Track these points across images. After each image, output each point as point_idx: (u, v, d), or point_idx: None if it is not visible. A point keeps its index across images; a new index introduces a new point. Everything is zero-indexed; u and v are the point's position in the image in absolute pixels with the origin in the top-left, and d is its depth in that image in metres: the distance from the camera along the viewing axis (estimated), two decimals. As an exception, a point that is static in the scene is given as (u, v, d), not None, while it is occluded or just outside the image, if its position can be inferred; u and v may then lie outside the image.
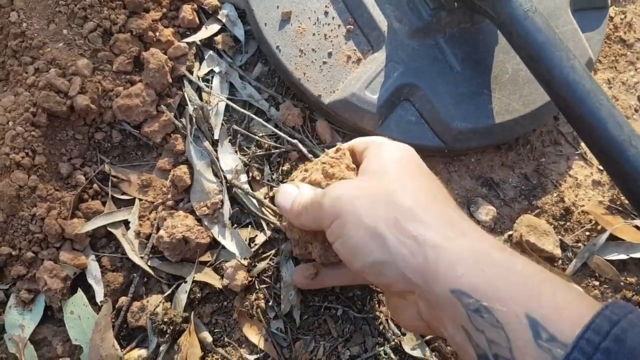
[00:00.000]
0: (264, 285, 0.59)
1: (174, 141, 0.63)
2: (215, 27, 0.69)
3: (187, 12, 0.68)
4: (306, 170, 0.50)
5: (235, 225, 0.61)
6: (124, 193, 0.62)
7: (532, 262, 0.35)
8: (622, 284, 0.61)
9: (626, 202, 0.65)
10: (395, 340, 0.56)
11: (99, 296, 0.57)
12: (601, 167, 0.67)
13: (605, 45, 0.76)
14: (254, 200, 0.61)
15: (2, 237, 0.57)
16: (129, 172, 0.63)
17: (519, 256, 0.35)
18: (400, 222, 0.37)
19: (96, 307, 0.57)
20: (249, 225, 0.61)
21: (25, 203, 0.57)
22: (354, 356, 0.56)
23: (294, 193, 0.46)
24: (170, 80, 0.64)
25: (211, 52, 0.69)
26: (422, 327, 0.40)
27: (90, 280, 0.58)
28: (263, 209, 0.61)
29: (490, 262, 0.34)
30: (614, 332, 0.27)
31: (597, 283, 0.61)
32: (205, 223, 0.60)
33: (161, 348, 0.55)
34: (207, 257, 0.59)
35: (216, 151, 0.63)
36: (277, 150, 0.64)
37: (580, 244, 0.63)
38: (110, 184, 0.62)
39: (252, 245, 0.60)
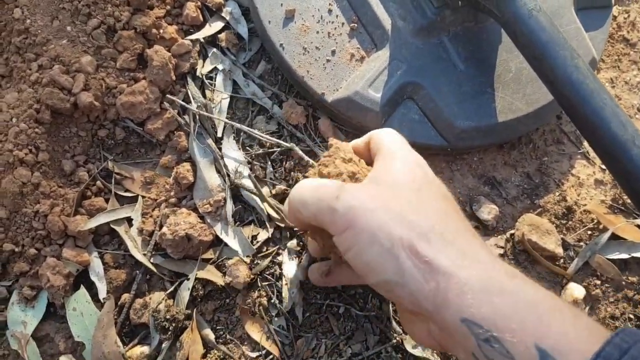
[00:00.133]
0: (266, 283, 0.59)
1: (177, 138, 0.63)
2: (219, 25, 0.69)
3: (191, 9, 0.68)
4: (308, 177, 0.49)
5: (238, 222, 0.61)
6: (127, 190, 0.63)
7: (542, 289, 0.35)
8: (623, 283, 0.61)
9: (628, 201, 0.65)
10: (397, 339, 0.56)
11: (102, 293, 0.58)
12: (604, 166, 0.67)
13: (608, 45, 0.76)
14: (257, 199, 0.61)
15: (5, 233, 0.57)
16: (132, 169, 0.63)
17: (528, 282, 0.35)
18: (415, 245, 0.36)
19: (99, 304, 0.57)
20: (252, 223, 0.62)
21: (29, 200, 0.58)
22: (356, 354, 0.56)
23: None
24: (173, 77, 0.64)
25: (215, 49, 0.69)
26: (433, 345, 0.40)
27: (93, 277, 0.58)
28: (265, 204, 0.61)
29: (500, 291, 0.34)
30: None
31: (598, 282, 0.61)
32: (208, 220, 0.60)
33: (163, 345, 0.56)
34: (209, 255, 0.60)
35: (219, 149, 0.63)
36: (279, 149, 0.64)
37: (582, 243, 0.63)
38: (113, 181, 0.62)
39: (255, 242, 0.60)
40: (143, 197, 0.62)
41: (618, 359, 0.28)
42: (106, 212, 0.60)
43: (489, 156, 0.68)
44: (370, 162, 0.47)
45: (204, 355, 0.56)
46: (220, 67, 0.68)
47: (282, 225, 0.61)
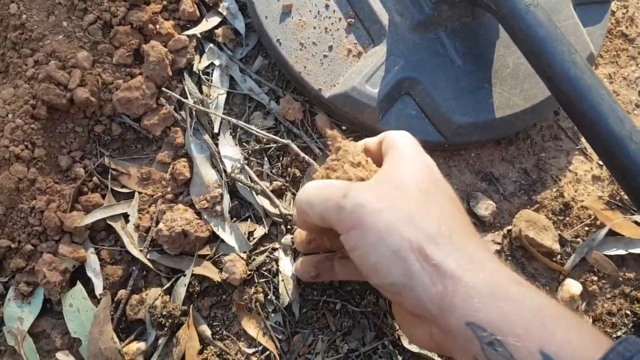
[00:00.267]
0: (263, 279, 0.59)
1: (174, 134, 0.63)
2: (215, 20, 0.69)
3: (188, 4, 0.67)
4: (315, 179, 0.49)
5: (235, 218, 0.61)
6: (123, 186, 0.62)
7: (547, 297, 0.35)
8: (620, 279, 0.61)
9: (626, 197, 0.65)
10: (394, 335, 0.56)
11: (98, 289, 0.58)
12: (601, 162, 0.67)
13: (606, 40, 0.76)
14: (253, 194, 0.61)
15: (1, 229, 0.57)
16: (128, 165, 0.63)
17: (533, 289, 0.36)
18: (424, 248, 0.36)
19: (95, 300, 0.57)
20: (249, 219, 0.61)
21: (25, 196, 0.57)
22: (352, 350, 0.56)
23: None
24: (170, 73, 0.64)
25: (211, 45, 0.69)
26: (433, 348, 0.40)
27: (90, 273, 0.58)
28: (261, 197, 0.61)
29: (506, 296, 0.34)
30: None
31: (595, 278, 0.61)
32: (205, 216, 0.60)
33: (160, 341, 0.56)
34: (206, 251, 0.59)
35: (216, 144, 0.63)
36: (276, 145, 0.63)
37: (579, 239, 0.63)
38: (109, 177, 0.62)
39: (251, 238, 0.60)
40: (139, 193, 0.62)
41: None
42: (102, 208, 0.60)
43: (486, 152, 0.67)
44: (380, 163, 0.47)
45: (201, 352, 0.56)
46: (217, 62, 0.68)
47: (280, 220, 0.61)
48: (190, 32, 0.68)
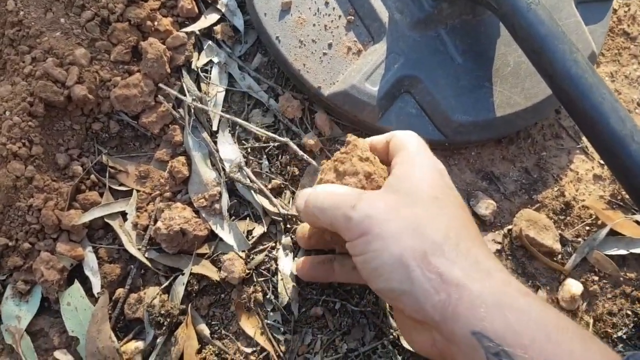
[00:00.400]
0: (262, 278, 0.58)
1: (172, 132, 0.63)
2: (214, 17, 0.69)
3: (186, 1, 0.67)
4: (322, 171, 0.48)
5: (233, 217, 0.61)
6: (121, 184, 0.62)
7: (553, 309, 0.35)
8: (621, 279, 0.61)
9: (627, 197, 0.65)
10: (393, 334, 0.56)
11: (96, 288, 0.57)
12: (602, 162, 0.67)
13: (608, 38, 0.75)
14: (252, 193, 0.61)
15: (-2, 227, 0.57)
16: (126, 163, 0.63)
17: (540, 301, 0.36)
18: (427, 256, 0.36)
19: (93, 298, 0.57)
20: (247, 218, 0.61)
21: (22, 194, 0.57)
22: (352, 349, 0.56)
23: (307, 193, 0.45)
24: (168, 70, 0.64)
25: (210, 42, 0.68)
26: (434, 354, 0.40)
27: (87, 272, 0.58)
28: (259, 196, 0.61)
29: (513, 307, 0.34)
30: None
31: (596, 278, 0.61)
32: (203, 215, 0.60)
33: (158, 340, 0.55)
34: (204, 249, 0.59)
35: (215, 142, 0.63)
36: (275, 143, 0.63)
37: (580, 239, 0.63)
38: (107, 174, 0.62)
39: (250, 237, 0.60)
40: (137, 191, 0.62)
41: None
42: (100, 206, 0.60)
43: (486, 151, 0.67)
44: (386, 162, 0.47)
45: (199, 351, 0.55)
46: (215, 59, 0.67)
47: (279, 219, 0.60)
48: (188, 29, 0.67)
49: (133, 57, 0.64)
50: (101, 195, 0.61)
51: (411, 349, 0.55)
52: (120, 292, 0.57)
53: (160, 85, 0.63)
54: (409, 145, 0.44)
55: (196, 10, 0.68)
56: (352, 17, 0.64)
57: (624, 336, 0.58)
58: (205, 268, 0.58)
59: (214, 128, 0.64)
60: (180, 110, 0.64)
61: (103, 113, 0.62)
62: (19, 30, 0.60)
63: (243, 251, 0.59)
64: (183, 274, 0.57)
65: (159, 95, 0.63)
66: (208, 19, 0.68)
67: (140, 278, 0.59)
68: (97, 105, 0.62)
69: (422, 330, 0.40)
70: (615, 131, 0.48)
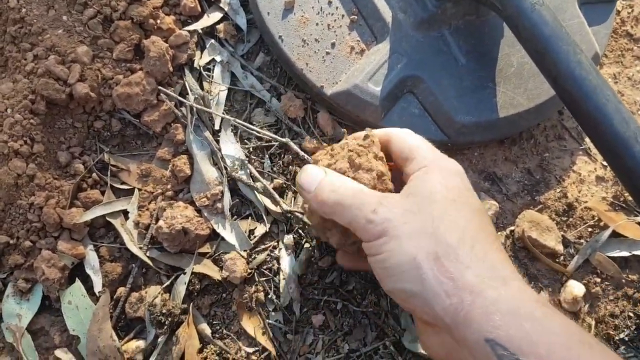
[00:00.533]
0: (264, 278, 0.58)
1: (174, 131, 0.63)
2: (217, 16, 0.68)
3: (189, -1, 0.67)
4: (332, 156, 0.47)
5: (235, 216, 0.61)
6: (123, 183, 0.62)
7: (571, 322, 0.35)
8: (623, 281, 0.61)
9: (630, 198, 0.65)
10: (395, 335, 0.56)
11: (97, 286, 0.57)
12: (605, 163, 0.67)
13: (611, 40, 0.75)
14: (254, 192, 0.61)
15: (0, 225, 0.57)
16: (128, 161, 0.63)
17: (557, 312, 0.35)
18: (441, 259, 0.36)
19: (94, 297, 0.57)
20: (249, 217, 0.61)
21: (24, 192, 0.57)
22: (353, 350, 0.55)
23: (320, 177, 0.44)
24: (171, 68, 0.63)
25: (213, 40, 0.68)
26: (443, 357, 0.40)
27: (89, 271, 0.58)
28: (262, 196, 0.60)
29: (529, 317, 0.33)
30: None
31: (598, 280, 0.61)
32: (205, 214, 0.60)
33: (159, 339, 0.55)
34: (206, 249, 0.59)
35: (217, 141, 0.63)
36: (277, 143, 0.63)
37: (582, 241, 0.62)
38: (109, 173, 0.61)
39: (252, 237, 0.60)
40: (139, 189, 0.61)
41: None
42: (102, 204, 0.60)
43: (489, 152, 0.67)
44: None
45: (200, 350, 0.55)
46: (218, 58, 0.67)
47: (282, 218, 0.60)
48: (191, 27, 0.67)
49: (135, 55, 0.64)
50: (103, 193, 0.61)
51: (413, 350, 0.55)
52: (121, 291, 0.57)
53: (160, 87, 0.63)
54: (422, 150, 0.44)
55: (199, 8, 0.68)
56: (356, 17, 0.64)
57: (626, 338, 0.58)
58: (207, 267, 0.58)
59: (216, 127, 0.63)
60: (183, 108, 0.64)
61: (105, 111, 0.62)
62: (21, 28, 0.60)
63: (245, 250, 0.59)
64: (185, 273, 0.57)
65: (161, 94, 0.63)
66: (211, 18, 0.68)
67: (142, 277, 0.59)
68: (99, 103, 0.62)
69: (433, 333, 0.39)
70: (618, 132, 0.48)
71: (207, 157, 0.62)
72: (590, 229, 0.63)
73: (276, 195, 0.60)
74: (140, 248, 0.58)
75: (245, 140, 0.64)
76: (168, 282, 0.58)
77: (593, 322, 0.59)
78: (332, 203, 0.42)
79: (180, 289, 0.57)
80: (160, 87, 0.63)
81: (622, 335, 0.58)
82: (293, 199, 0.61)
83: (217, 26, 0.68)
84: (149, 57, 0.61)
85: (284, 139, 0.62)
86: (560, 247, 0.61)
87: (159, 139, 0.64)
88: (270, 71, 0.68)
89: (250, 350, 0.56)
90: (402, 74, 0.61)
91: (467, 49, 0.64)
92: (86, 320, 0.55)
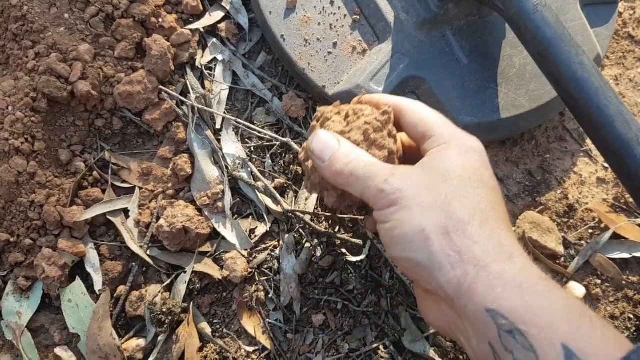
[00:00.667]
0: (264, 277, 0.58)
1: (176, 129, 0.62)
2: (219, 15, 0.68)
3: (191, -2, 0.67)
4: (347, 123, 0.46)
5: (236, 216, 0.61)
6: (124, 181, 0.62)
7: (573, 297, 0.35)
8: (624, 282, 0.61)
9: (630, 200, 0.65)
10: (395, 335, 0.56)
11: (98, 285, 0.57)
12: (606, 165, 0.67)
13: (613, 41, 0.75)
14: (256, 192, 0.61)
15: (0, 223, 0.57)
16: (129, 160, 0.63)
17: (560, 288, 0.35)
18: (449, 233, 0.36)
19: (94, 295, 0.57)
20: (250, 216, 0.61)
21: (24, 189, 0.57)
22: (353, 350, 0.55)
23: (334, 147, 0.44)
24: (172, 67, 0.63)
25: (214, 39, 0.68)
26: (441, 325, 0.40)
27: (89, 269, 0.58)
28: (263, 195, 0.60)
29: (532, 290, 0.34)
30: None
31: (598, 281, 0.61)
32: (206, 213, 0.60)
33: (159, 338, 0.55)
34: (207, 248, 0.59)
35: (218, 140, 0.63)
36: (278, 142, 0.63)
37: (583, 242, 0.62)
38: (110, 171, 0.61)
39: (253, 236, 0.60)
40: (140, 188, 0.61)
41: None
42: (102, 203, 0.60)
43: (490, 152, 0.67)
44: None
45: (200, 349, 0.55)
46: (219, 57, 0.67)
47: (283, 218, 0.60)
48: (193, 26, 0.67)
49: (137, 54, 0.64)
50: (103, 192, 0.61)
51: (413, 350, 0.55)
52: (121, 289, 0.57)
53: (162, 86, 0.63)
54: (440, 128, 0.44)
55: (201, 7, 0.68)
56: (358, 17, 0.64)
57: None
58: (208, 266, 0.58)
59: (218, 126, 0.63)
60: (184, 107, 0.64)
61: (106, 109, 0.62)
62: (23, 25, 0.60)
63: (245, 250, 0.59)
64: (185, 272, 0.57)
65: (162, 93, 0.63)
66: (213, 17, 0.68)
67: (142, 276, 0.59)
68: (100, 101, 0.62)
69: (432, 301, 0.40)
70: (620, 134, 0.48)
71: (208, 156, 0.62)
72: (590, 231, 0.63)
73: (277, 195, 0.60)
74: (141, 247, 0.58)
75: (247, 140, 0.64)
76: (168, 281, 0.58)
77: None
78: (346, 175, 0.42)
79: (181, 287, 0.57)
80: (161, 86, 0.63)
81: (622, 337, 0.58)
82: (294, 198, 0.61)
83: (219, 25, 0.68)
84: (150, 55, 0.61)
85: (285, 139, 0.62)
86: (560, 249, 0.61)
87: (160, 137, 0.64)
88: (272, 70, 0.68)
89: (251, 349, 0.56)
90: (404, 74, 0.61)
91: (469, 49, 0.64)
92: (86, 319, 0.55)
